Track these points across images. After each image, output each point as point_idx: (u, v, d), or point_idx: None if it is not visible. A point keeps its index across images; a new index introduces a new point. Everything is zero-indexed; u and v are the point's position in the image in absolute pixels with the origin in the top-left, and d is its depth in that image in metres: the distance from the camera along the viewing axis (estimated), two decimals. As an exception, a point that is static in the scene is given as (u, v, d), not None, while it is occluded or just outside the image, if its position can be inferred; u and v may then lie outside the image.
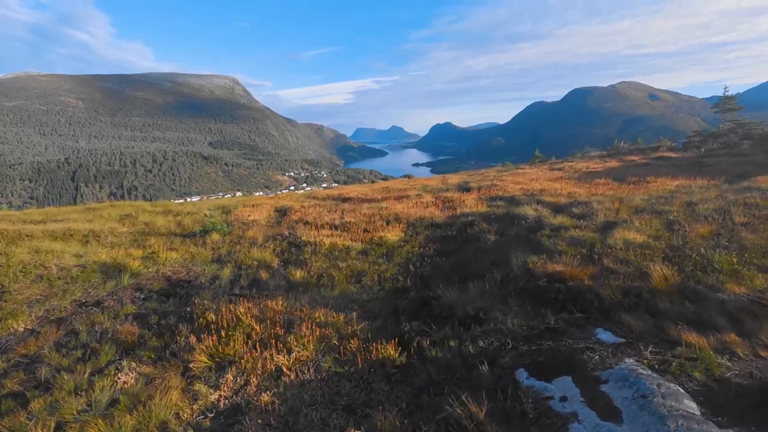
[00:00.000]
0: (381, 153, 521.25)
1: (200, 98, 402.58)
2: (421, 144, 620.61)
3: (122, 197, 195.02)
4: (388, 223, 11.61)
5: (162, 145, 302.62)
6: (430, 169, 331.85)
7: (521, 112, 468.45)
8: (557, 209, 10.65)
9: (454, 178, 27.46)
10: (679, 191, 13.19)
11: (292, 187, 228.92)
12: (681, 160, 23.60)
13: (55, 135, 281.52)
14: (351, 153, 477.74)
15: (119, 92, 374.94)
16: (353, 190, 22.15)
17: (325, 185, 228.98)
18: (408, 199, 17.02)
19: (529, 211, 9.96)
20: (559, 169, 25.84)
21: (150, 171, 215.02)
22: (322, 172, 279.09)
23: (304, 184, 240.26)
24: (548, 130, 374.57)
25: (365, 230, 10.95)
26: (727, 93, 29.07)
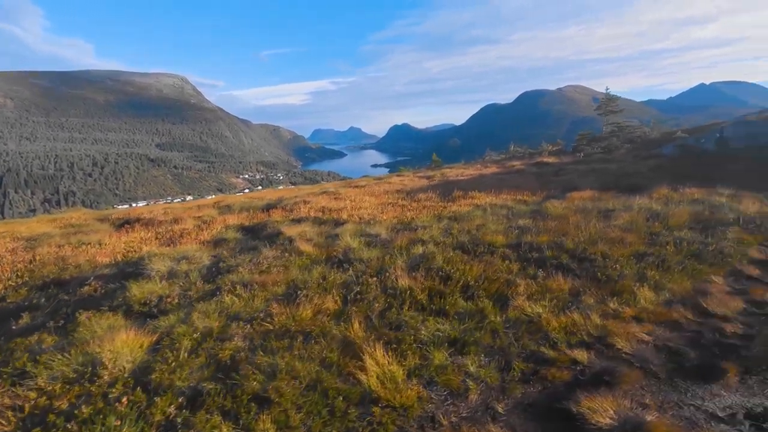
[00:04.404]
0: (340, 154, 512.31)
1: (146, 97, 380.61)
2: (380, 145, 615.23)
3: (58, 204, 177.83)
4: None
5: (104, 147, 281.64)
6: (388, 170, 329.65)
7: (476, 113, 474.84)
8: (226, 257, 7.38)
9: (306, 189, 24.18)
10: (469, 215, 10.41)
11: (246, 190, 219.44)
12: (549, 168, 21.49)
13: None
14: (309, 154, 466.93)
15: (54, 90, 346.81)
16: (162, 209, 18.27)
17: (281, 187, 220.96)
18: (181, 221, 13.46)
19: (159, 265, 6.60)
20: (428, 178, 23.04)
21: (90, 175, 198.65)
22: (279, 174, 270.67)
23: (260, 187, 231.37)
24: (502, 130, 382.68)
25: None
26: (608, 93, 27.47)
